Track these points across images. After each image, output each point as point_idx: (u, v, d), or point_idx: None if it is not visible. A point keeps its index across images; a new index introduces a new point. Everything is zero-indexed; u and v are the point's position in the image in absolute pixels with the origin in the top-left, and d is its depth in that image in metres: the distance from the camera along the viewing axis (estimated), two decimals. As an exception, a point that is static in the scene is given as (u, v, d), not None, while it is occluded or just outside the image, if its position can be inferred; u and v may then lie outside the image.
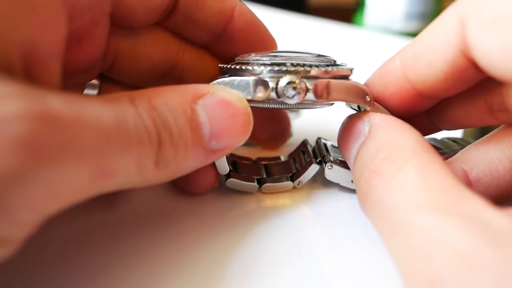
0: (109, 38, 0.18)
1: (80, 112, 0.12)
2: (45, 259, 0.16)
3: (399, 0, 0.54)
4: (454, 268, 0.11)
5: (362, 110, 0.18)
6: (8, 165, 0.10)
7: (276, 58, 0.17)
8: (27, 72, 0.13)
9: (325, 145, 0.22)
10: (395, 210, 0.13)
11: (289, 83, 0.16)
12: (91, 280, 0.15)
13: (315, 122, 0.28)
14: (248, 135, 0.17)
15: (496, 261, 0.11)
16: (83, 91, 0.20)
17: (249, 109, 0.16)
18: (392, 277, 0.15)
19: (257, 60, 0.17)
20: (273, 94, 0.16)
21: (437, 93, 0.17)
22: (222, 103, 0.16)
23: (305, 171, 0.20)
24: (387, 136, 0.16)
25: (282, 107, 0.17)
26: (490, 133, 0.18)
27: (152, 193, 0.21)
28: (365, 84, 0.18)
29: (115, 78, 0.20)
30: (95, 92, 0.21)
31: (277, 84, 0.16)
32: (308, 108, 0.18)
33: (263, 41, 0.20)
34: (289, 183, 0.21)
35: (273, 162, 0.23)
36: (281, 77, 0.16)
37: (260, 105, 0.17)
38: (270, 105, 0.17)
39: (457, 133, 0.26)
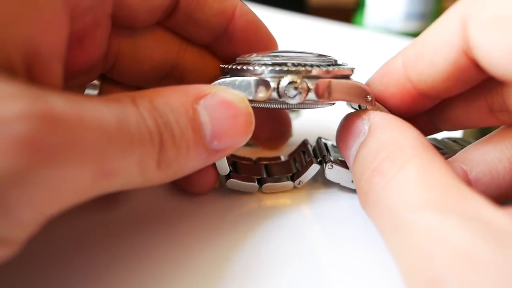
0: (110, 39, 0.18)
1: (82, 112, 0.12)
2: (46, 259, 0.16)
3: (399, 0, 0.54)
4: (455, 267, 0.11)
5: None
6: (10, 165, 0.10)
7: (277, 58, 0.17)
8: (29, 73, 0.13)
9: (325, 145, 0.22)
10: (396, 209, 0.13)
11: (290, 83, 0.16)
12: (92, 281, 0.15)
13: (315, 122, 0.28)
14: (250, 135, 0.17)
15: (497, 260, 0.11)
16: (84, 91, 0.20)
17: (251, 109, 0.16)
18: (393, 277, 0.15)
19: (258, 60, 0.17)
20: (274, 94, 0.16)
21: (438, 93, 0.17)
22: (223, 104, 0.16)
23: (305, 171, 0.20)
24: (387, 135, 0.16)
25: (283, 107, 0.17)
26: (490, 133, 0.18)
27: (153, 193, 0.21)
28: (366, 84, 0.18)
29: (116, 79, 0.20)
30: (95, 92, 0.21)
31: (278, 84, 0.16)
32: (309, 108, 0.18)
33: (264, 41, 0.20)
34: (290, 183, 0.21)
35: (274, 162, 0.23)
36: (283, 77, 0.16)
37: (262, 105, 0.17)
38: (272, 105, 0.17)
39: (458, 133, 0.26)
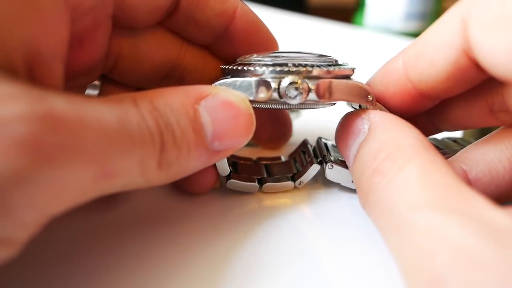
0: (111, 39, 0.18)
1: (83, 113, 0.12)
2: (47, 259, 0.16)
3: (399, 0, 0.54)
4: (456, 267, 0.11)
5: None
6: (12, 166, 0.10)
7: (278, 59, 0.17)
8: (30, 74, 0.13)
9: (325, 145, 0.22)
10: (396, 209, 0.13)
11: (291, 83, 0.16)
12: (92, 281, 0.16)
13: (315, 122, 0.28)
14: (251, 135, 0.17)
15: (498, 260, 0.11)
16: (84, 92, 0.20)
17: (252, 110, 0.16)
18: (393, 277, 0.15)
19: (259, 60, 0.17)
20: (275, 95, 0.16)
21: (439, 93, 0.17)
22: (224, 104, 0.16)
23: (306, 171, 0.20)
24: (387, 134, 0.16)
25: (284, 107, 0.18)
26: (490, 133, 0.18)
27: (153, 193, 0.21)
28: (367, 84, 0.18)
29: (117, 79, 0.20)
30: (96, 92, 0.21)
31: (279, 84, 0.16)
32: (310, 108, 0.18)
33: (264, 42, 0.20)
34: (290, 183, 0.21)
35: (274, 162, 0.23)
36: (283, 77, 0.16)
37: (262, 105, 0.17)
38: (272, 106, 0.17)
39: (458, 133, 0.26)
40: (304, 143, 0.22)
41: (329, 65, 0.17)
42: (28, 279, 0.15)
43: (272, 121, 0.24)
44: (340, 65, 0.18)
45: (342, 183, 0.21)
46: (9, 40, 0.12)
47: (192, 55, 0.21)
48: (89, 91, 0.21)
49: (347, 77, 0.18)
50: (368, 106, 0.17)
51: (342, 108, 0.20)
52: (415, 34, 0.50)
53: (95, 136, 0.12)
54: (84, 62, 0.17)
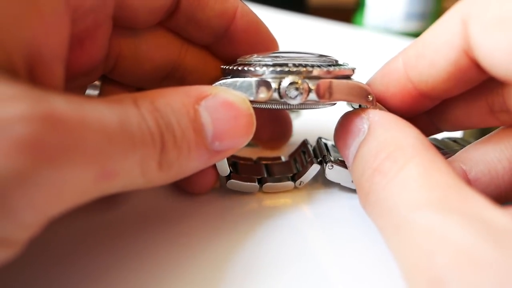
0: (111, 40, 0.18)
1: (83, 113, 0.12)
2: (47, 260, 0.16)
3: (399, 0, 0.54)
4: (457, 267, 0.11)
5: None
6: (12, 167, 0.10)
7: (278, 59, 0.17)
8: (31, 74, 0.13)
9: (325, 145, 0.22)
10: (397, 209, 0.13)
11: (291, 83, 0.16)
12: (93, 281, 0.16)
13: (315, 122, 0.28)
14: (251, 136, 0.17)
15: (498, 260, 0.11)
16: (85, 92, 0.20)
17: (252, 110, 0.16)
18: (393, 277, 0.15)
19: (259, 61, 0.17)
20: (275, 95, 0.16)
21: (439, 94, 0.17)
22: (225, 104, 0.16)
23: (306, 171, 0.21)
24: (387, 134, 0.16)
25: (285, 107, 0.18)
26: (489, 133, 0.18)
27: (153, 193, 0.21)
28: (367, 84, 0.18)
29: (117, 80, 0.20)
30: (96, 92, 0.21)
31: (279, 84, 0.16)
32: (311, 109, 0.18)
33: (264, 42, 0.20)
34: (290, 183, 0.21)
35: (274, 162, 0.23)
36: (284, 77, 0.16)
37: (263, 106, 0.17)
38: (273, 106, 0.17)
39: (458, 133, 0.26)
40: (304, 143, 0.22)
41: (329, 65, 0.17)
42: (28, 279, 0.15)
43: (272, 121, 0.24)
44: (340, 65, 0.18)
45: (342, 183, 0.21)
46: (10, 40, 0.12)
47: (193, 55, 0.21)
48: (89, 91, 0.21)
49: (347, 77, 0.18)
50: (368, 106, 0.17)
51: (342, 108, 0.20)
52: (415, 34, 0.50)
53: (96, 136, 0.12)
54: (85, 63, 0.17)
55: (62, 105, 0.11)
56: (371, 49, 0.47)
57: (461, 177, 0.17)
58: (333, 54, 0.19)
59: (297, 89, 0.16)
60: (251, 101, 0.17)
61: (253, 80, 0.17)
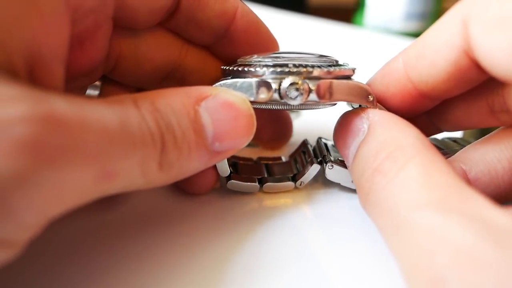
0: (112, 40, 0.18)
1: (84, 114, 0.12)
2: (47, 259, 0.16)
3: (399, 0, 0.54)
4: (457, 267, 0.11)
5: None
6: (12, 167, 0.10)
7: (278, 59, 0.17)
8: (31, 75, 0.13)
9: (325, 145, 0.22)
10: (397, 209, 0.13)
11: (291, 84, 0.16)
12: (93, 281, 0.16)
13: (315, 122, 0.28)
14: (251, 136, 0.17)
15: (498, 260, 0.11)
16: (85, 93, 0.20)
17: (252, 111, 0.16)
18: (393, 277, 0.15)
19: (259, 61, 0.17)
20: (275, 96, 0.16)
21: (439, 94, 0.17)
22: (225, 105, 0.16)
23: (306, 171, 0.20)
24: (387, 134, 0.16)
25: (285, 108, 0.18)
26: (489, 133, 0.18)
27: (153, 194, 0.21)
28: (367, 84, 0.19)
29: (117, 80, 0.20)
30: (96, 92, 0.21)
31: (279, 85, 0.16)
32: (311, 109, 0.18)
33: (265, 42, 0.20)
34: (291, 183, 0.21)
35: (274, 162, 0.23)
36: (284, 78, 0.16)
37: (263, 106, 0.17)
38: (273, 106, 0.17)
39: (458, 133, 0.26)
40: (304, 143, 0.22)
41: (330, 66, 0.17)
42: (28, 279, 0.15)
43: (272, 122, 0.24)
44: (341, 65, 0.18)
45: (342, 183, 0.21)
46: (10, 41, 0.12)
47: (193, 55, 0.21)
48: (89, 92, 0.21)
49: (348, 77, 0.18)
50: (368, 106, 0.17)
51: (342, 108, 0.20)
52: (415, 34, 0.50)
53: (96, 137, 0.12)
54: (85, 63, 0.17)
55: (63, 105, 0.11)
56: (371, 49, 0.47)
57: (461, 177, 0.17)
58: (333, 54, 0.19)
59: (297, 89, 0.16)
60: (252, 102, 0.17)
61: (253, 80, 0.17)
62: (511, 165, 0.17)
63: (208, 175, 0.20)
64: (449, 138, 0.23)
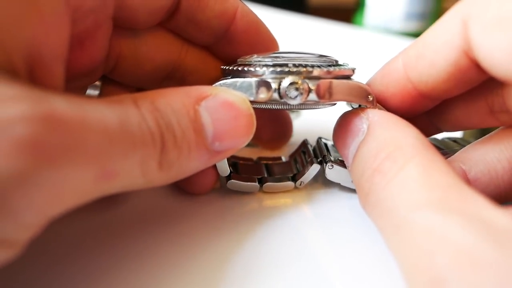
0: (112, 40, 0.18)
1: (84, 114, 0.12)
2: (47, 259, 0.16)
3: (399, 0, 0.54)
4: (457, 267, 0.11)
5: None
6: (13, 167, 0.10)
7: (278, 59, 0.17)
8: (31, 75, 0.13)
9: (325, 145, 0.22)
10: (397, 209, 0.14)
11: (291, 83, 0.16)
12: (93, 281, 0.16)
13: (315, 122, 0.28)
14: (251, 136, 0.17)
15: (498, 260, 0.11)
16: (85, 93, 0.20)
17: (252, 110, 0.16)
18: (393, 277, 0.15)
19: (259, 61, 0.17)
20: (275, 95, 0.16)
21: (439, 94, 0.17)
22: (225, 105, 0.16)
23: (306, 171, 0.21)
24: (387, 134, 0.16)
25: (285, 107, 0.18)
26: (489, 133, 0.18)
27: (153, 194, 0.21)
28: (367, 84, 0.19)
29: (118, 80, 0.20)
30: (96, 92, 0.21)
31: (279, 85, 0.16)
32: (311, 109, 0.18)
33: (264, 42, 0.20)
34: (291, 183, 0.21)
35: (274, 162, 0.23)
36: (284, 78, 0.16)
37: (263, 106, 0.18)
38: (273, 106, 0.17)
39: (458, 133, 0.26)
40: (304, 143, 0.22)
41: (329, 66, 0.17)
42: (28, 279, 0.15)
43: (272, 121, 0.24)
44: (340, 65, 0.18)
45: (342, 183, 0.21)
46: (10, 41, 0.12)
47: (193, 55, 0.21)
48: (89, 92, 0.21)
49: (348, 77, 0.18)
50: (368, 106, 0.17)
51: (342, 108, 0.20)
52: (415, 34, 0.50)
53: (96, 137, 0.12)
54: (85, 63, 0.17)
55: (62, 105, 0.11)
56: (371, 49, 0.47)
57: (461, 177, 0.17)
58: (333, 54, 0.19)
59: (297, 89, 0.16)
60: (251, 101, 0.17)
61: (253, 80, 0.17)
62: (510, 165, 0.17)
63: (208, 175, 0.20)
64: (449, 138, 0.23)
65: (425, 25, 0.55)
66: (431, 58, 0.16)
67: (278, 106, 0.17)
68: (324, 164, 0.20)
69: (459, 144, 0.22)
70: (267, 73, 0.17)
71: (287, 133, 0.25)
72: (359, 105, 0.18)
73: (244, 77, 0.17)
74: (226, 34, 0.20)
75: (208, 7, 0.19)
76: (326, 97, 0.17)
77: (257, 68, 0.17)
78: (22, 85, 0.11)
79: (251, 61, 0.18)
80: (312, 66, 0.17)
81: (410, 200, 0.13)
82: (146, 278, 0.16)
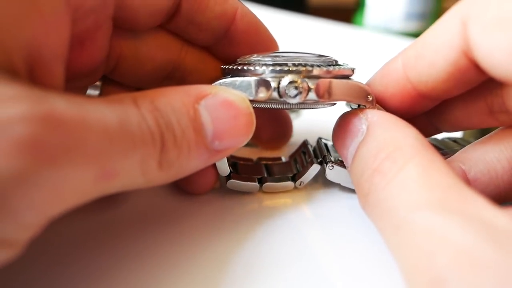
0: (112, 41, 0.18)
1: (83, 113, 0.12)
2: (47, 259, 0.16)
3: (399, 0, 0.54)
4: (457, 267, 0.11)
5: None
6: (13, 167, 0.10)
7: (278, 59, 0.17)
8: (31, 75, 0.13)
9: (325, 145, 0.22)
10: (396, 209, 0.14)
11: (291, 82, 0.16)
12: (93, 281, 0.16)
13: (315, 122, 0.28)
14: (251, 135, 0.17)
15: (498, 260, 0.11)
16: (85, 93, 0.20)
17: (252, 109, 0.16)
18: (393, 277, 0.15)
19: (259, 60, 0.17)
20: (275, 94, 0.16)
21: (438, 94, 0.17)
22: (224, 104, 0.16)
23: (306, 172, 0.21)
24: (386, 134, 0.16)
25: (284, 107, 0.18)
26: (489, 133, 0.18)
27: (153, 193, 0.21)
28: (367, 84, 0.19)
29: (118, 80, 0.20)
30: (96, 92, 0.21)
31: (279, 84, 0.16)
32: (310, 108, 0.18)
33: (264, 43, 0.20)
34: (290, 183, 0.21)
35: (274, 163, 0.23)
36: (283, 77, 0.16)
37: (262, 105, 0.18)
38: (272, 105, 0.17)
39: (458, 133, 0.26)
40: (305, 143, 0.22)
41: (329, 65, 0.17)
42: (28, 279, 0.15)
43: (272, 121, 0.24)
44: (340, 65, 0.18)
45: (342, 184, 0.21)
46: (10, 41, 0.12)
47: (193, 56, 0.21)
48: (90, 92, 0.21)
49: (347, 77, 0.18)
50: (368, 106, 0.17)
51: (342, 108, 0.20)
52: (415, 34, 0.50)
53: (96, 136, 0.12)
54: (85, 63, 0.17)
55: (62, 105, 0.11)
56: (371, 49, 0.47)
57: (460, 177, 0.17)
58: (333, 54, 0.19)
59: (296, 88, 0.16)
60: (251, 101, 0.17)
61: (252, 79, 0.17)
62: (510, 165, 0.17)
63: (208, 175, 0.20)
64: (449, 138, 0.24)
65: (425, 25, 0.55)
66: (430, 58, 0.16)
67: (277, 106, 0.17)
68: (325, 164, 0.20)
69: (459, 144, 0.22)
70: (266, 72, 0.17)
71: (287, 133, 0.25)
72: (358, 106, 0.18)
73: (243, 76, 0.17)
74: (226, 35, 0.20)
75: (208, 8, 0.19)
76: (325, 96, 0.17)
77: (257, 67, 0.17)
78: (22, 85, 0.11)
79: (250, 61, 0.18)
80: (312, 66, 0.17)
81: (409, 201, 0.13)
82: (146, 278, 0.16)
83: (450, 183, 0.13)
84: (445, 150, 0.22)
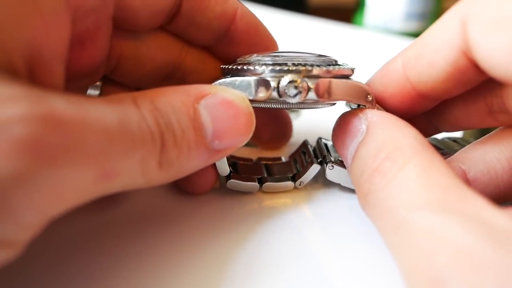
0: (112, 41, 0.18)
1: (83, 113, 0.12)
2: (47, 259, 0.16)
3: (399, 0, 0.54)
4: (456, 267, 0.11)
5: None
6: (12, 167, 0.10)
7: (278, 58, 0.17)
8: (31, 74, 0.13)
9: (325, 145, 0.22)
10: (396, 210, 0.14)
11: (290, 82, 0.16)
12: (93, 281, 0.16)
13: (315, 122, 0.28)
14: (251, 135, 0.17)
15: (498, 260, 0.11)
16: (85, 93, 0.20)
17: (251, 109, 0.16)
18: (393, 277, 0.15)
19: (259, 60, 0.17)
20: (274, 94, 0.16)
21: (438, 94, 0.17)
22: (224, 103, 0.16)
23: (306, 172, 0.21)
24: (386, 134, 0.16)
25: (284, 107, 0.18)
26: (489, 133, 0.18)
27: (153, 193, 0.21)
28: (366, 84, 0.19)
29: (118, 80, 0.20)
30: (96, 92, 0.21)
31: (278, 83, 0.16)
32: (310, 108, 0.18)
33: (264, 43, 0.20)
34: (290, 183, 0.21)
35: (274, 163, 0.23)
36: (283, 76, 0.16)
37: (262, 105, 0.18)
38: (272, 105, 0.17)
39: (458, 133, 0.26)
40: (305, 143, 0.22)
41: (329, 65, 0.17)
42: (28, 279, 0.15)
43: (272, 121, 0.24)
44: (340, 65, 0.18)
45: (342, 184, 0.21)
46: (10, 40, 0.12)
47: (193, 56, 0.21)
48: (90, 92, 0.21)
49: (347, 77, 0.18)
50: (367, 106, 0.17)
51: (342, 108, 0.20)
52: (415, 34, 0.50)
53: (96, 136, 0.12)
54: (86, 63, 0.17)
55: (62, 105, 0.11)
56: (371, 49, 0.47)
57: (460, 177, 0.17)
58: (333, 54, 0.19)
59: (296, 87, 0.16)
60: (251, 101, 0.17)
61: (252, 79, 0.17)
62: (510, 165, 0.17)
63: (208, 175, 0.20)
64: (449, 138, 0.24)
65: (425, 25, 0.55)
66: (430, 58, 0.16)
67: (277, 105, 0.17)
68: (324, 164, 0.20)
69: (459, 144, 0.22)
70: (266, 72, 0.17)
71: (287, 133, 0.25)
72: (358, 105, 0.18)
73: (243, 76, 0.17)
74: (226, 35, 0.20)
75: (208, 8, 0.19)
76: (325, 96, 0.17)
77: (257, 67, 0.17)
78: (22, 85, 0.11)
79: (250, 60, 0.18)
80: (312, 65, 0.17)
81: (409, 201, 0.13)
82: (146, 278, 0.16)
83: (449, 183, 0.13)
84: (445, 150, 0.22)
